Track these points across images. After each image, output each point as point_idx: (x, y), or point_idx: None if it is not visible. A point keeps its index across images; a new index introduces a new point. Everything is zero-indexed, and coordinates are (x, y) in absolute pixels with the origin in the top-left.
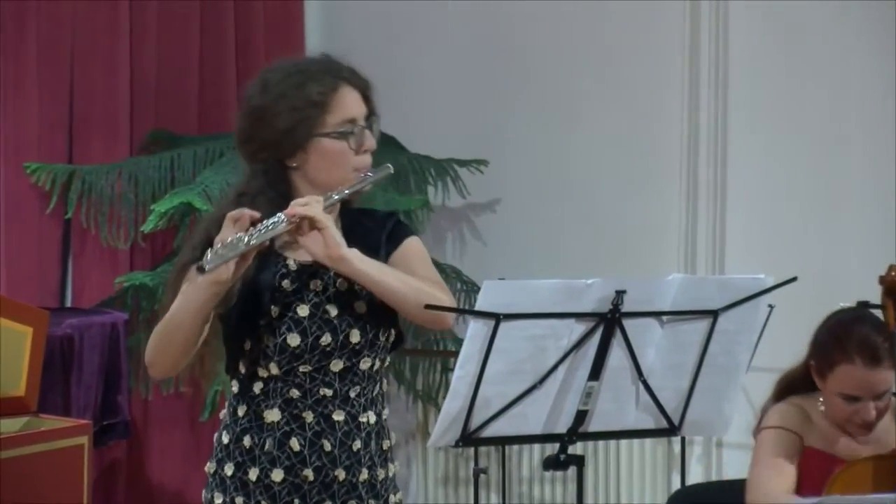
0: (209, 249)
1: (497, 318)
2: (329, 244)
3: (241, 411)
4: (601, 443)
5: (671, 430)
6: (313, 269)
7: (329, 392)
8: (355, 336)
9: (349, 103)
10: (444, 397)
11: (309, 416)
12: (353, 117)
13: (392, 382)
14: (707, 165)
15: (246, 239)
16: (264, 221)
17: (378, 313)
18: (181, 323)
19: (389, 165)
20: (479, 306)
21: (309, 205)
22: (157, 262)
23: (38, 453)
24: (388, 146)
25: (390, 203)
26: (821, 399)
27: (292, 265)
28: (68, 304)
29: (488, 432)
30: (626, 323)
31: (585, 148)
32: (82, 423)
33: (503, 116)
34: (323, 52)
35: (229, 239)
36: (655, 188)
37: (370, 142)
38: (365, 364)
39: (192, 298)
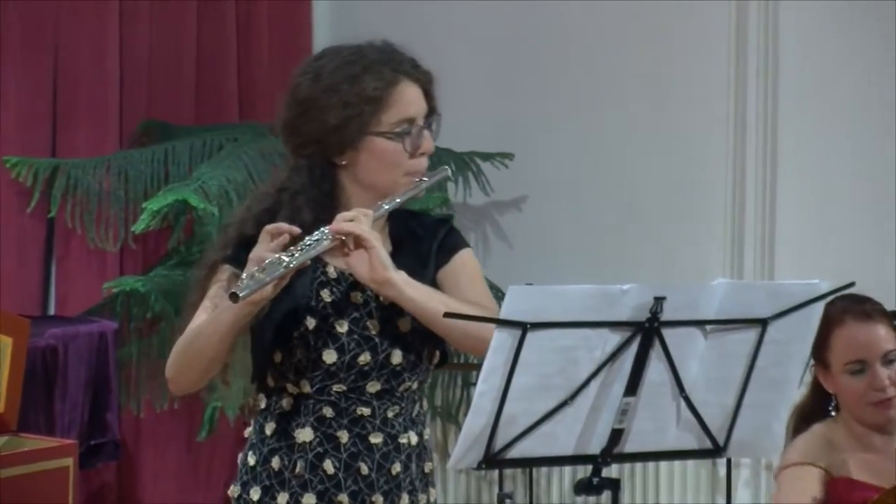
0: (244, 274)
1: (524, 327)
2: (375, 266)
3: (268, 429)
4: (638, 465)
5: (716, 450)
6: (355, 280)
7: (366, 411)
8: (396, 357)
9: (408, 100)
10: (465, 414)
11: (344, 437)
12: (411, 116)
13: None
14: (755, 161)
15: (286, 261)
16: (306, 238)
17: (423, 333)
18: (209, 341)
19: (447, 168)
20: (503, 314)
21: (356, 220)
22: (150, 266)
23: (19, 476)
24: None
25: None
26: (836, 418)
27: (332, 273)
28: (51, 312)
29: (514, 453)
30: (666, 333)
31: (622, 141)
32: (67, 443)
33: (531, 106)
34: (383, 40)
35: (266, 261)
36: (699, 185)
37: (428, 144)
38: (404, 385)
39: (224, 318)
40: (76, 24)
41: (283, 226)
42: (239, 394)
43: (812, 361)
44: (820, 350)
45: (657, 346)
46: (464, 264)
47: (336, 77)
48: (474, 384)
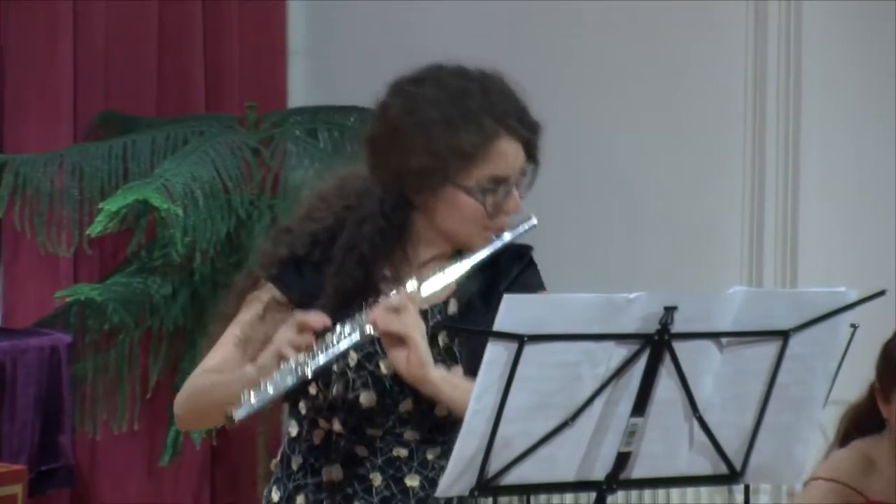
0: (245, 391)
1: (520, 339)
2: (412, 363)
3: (295, 464)
4: (647, 492)
5: (732, 476)
6: None
7: (403, 452)
8: (443, 408)
9: (504, 158)
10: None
11: (377, 479)
12: (503, 176)
13: None
14: (775, 159)
15: (301, 372)
16: (339, 330)
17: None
18: (220, 401)
19: (532, 217)
20: (498, 326)
21: (403, 310)
22: (107, 273)
23: None
24: None
25: None
26: (886, 440)
27: None
28: None
29: (510, 479)
30: (678, 346)
31: (631, 138)
32: (15, 468)
33: (530, 101)
34: (497, 73)
35: (280, 370)
36: (714, 185)
37: (513, 204)
38: (445, 438)
39: (235, 390)
40: (25, 6)
41: (313, 322)
42: None
43: (875, 384)
44: (885, 386)
45: (667, 361)
46: None
47: (432, 114)
48: None
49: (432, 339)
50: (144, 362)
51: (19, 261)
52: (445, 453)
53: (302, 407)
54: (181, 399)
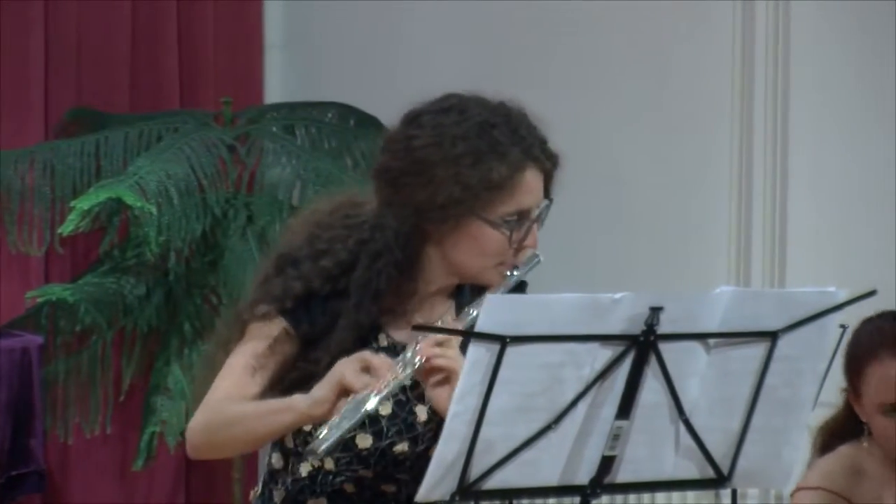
0: (323, 426)
1: (502, 341)
2: None
3: (278, 496)
4: (632, 497)
5: (719, 480)
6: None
7: (391, 488)
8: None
9: (529, 190)
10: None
11: None
12: (527, 209)
13: None
14: (763, 156)
15: (370, 407)
16: (396, 365)
17: None
18: (253, 434)
19: (538, 255)
20: (480, 327)
21: (447, 346)
22: (79, 273)
23: None
24: (368, 128)
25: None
26: (866, 444)
27: (383, 341)
28: None
29: (492, 483)
30: (664, 347)
31: (617, 137)
32: None
33: (513, 93)
34: (518, 106)
35: (350, 404)
36: (702, 185)
37: (533, 240)
38: None
39: (281, 421)
40: None
41: (378, 366)
42: (180, 418)
43: (846, 386)
44: (852, 378)
45: (653, 363)
46: None
47: (461, 147)
48: None
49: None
50: (117, 364)
51: None
52: None
53: (289, 440)
54: (196, 428)
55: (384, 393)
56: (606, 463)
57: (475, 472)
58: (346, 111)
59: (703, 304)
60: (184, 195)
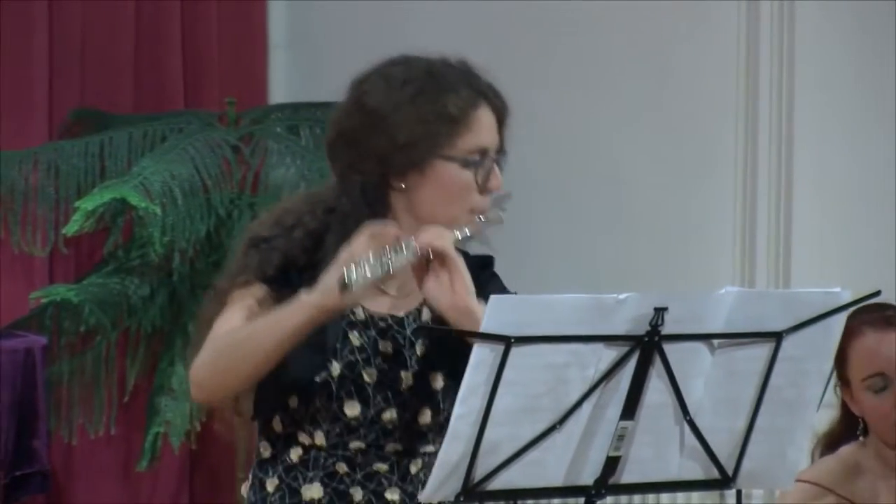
0: (351, 266)
1: (507, 341)
2: (458, 291)
3: (270, 485)
4: (637, 497)
5: (724, 481)
6: (386, 326)
7: (384, 467)
8: (425, 417)
9: (486, 127)
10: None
11: (357, 494)
12: (486, 146)
13: None
14: (768, 154)
15: (388, 264)
16: (397, 249)
17: (457, 389)
18: (261, 345)
19: (501, 214)
20: (484, 327)
21: (443, 238)
22: (83, 273)
23: None
24: None
25: None
26: (862, 438)
27: (360, 314)
28: None
29: (496, 484)
30: (668, 348)
31: (618, 133)
32: None
33: (515, 93)
34: (460, 58)
35: (373, 260)
36: (704, 181)
37: (497, 181)
38: (430, 448)
39: (292, 321)
40: None
41: (391, 228)
42: (185, 419)
43: (836, 381)
44: (839, 366)
45: (658, 364)
46: None
47: (411, 89)
48: None
49: (411, 346)
50: (122, 365)
51: None
52: (428, 466)
53: (277, 424)
54: (200, 364)
55: (393, 259)
56: (611, 463)
57: (480, 472)
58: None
59: (708, 304)
60: (188, 195)
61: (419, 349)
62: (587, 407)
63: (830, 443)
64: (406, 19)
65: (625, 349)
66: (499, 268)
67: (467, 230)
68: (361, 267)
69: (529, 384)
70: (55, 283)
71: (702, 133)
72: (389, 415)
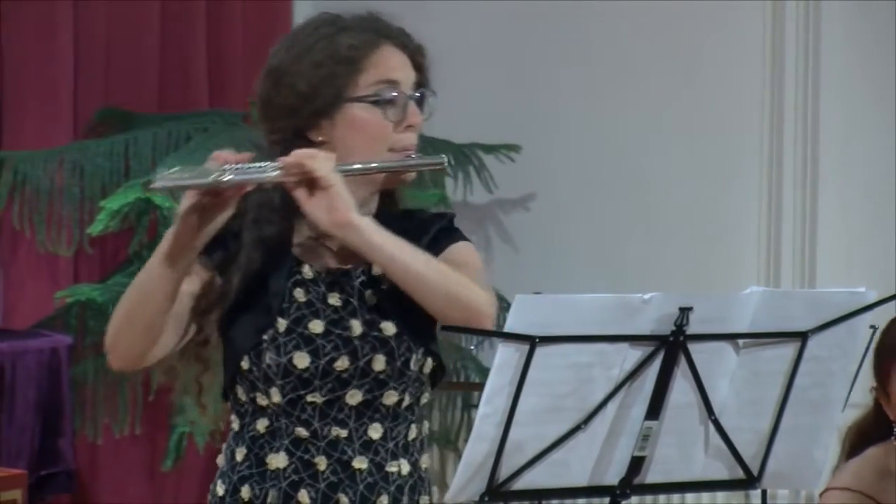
0: (167, 170)
1: (532, 341)
2: (336, 206)
3: (239, 455)
4: (662, 497)
5: (749, 481)
6: (333, 279)
7: (343, 433)
8: (379, 363)
9: (391, 64)
10: (465, 441)
11: (322, 463)
12: (393, 79)
13: None
14: (793, 154)
15: (217, 173)
16: (252, 164)
17: (411, 336)
18: (146, 284)
19: (444, 157)
20: (509, 327)
21: (315, 158)
22: (108, 273)
23: None
24: None
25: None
26: (895, 443)
27: (308, 273)
28: None
29: (521, 484)
30: (693, 348)
31: (644, 133)
32: (15, 473)
33: (541, 92)
34: (369, 11)
35: (197, 168)
36: (730, 182)
37: (415, 116)
38: (390, 399)
39: (160, 249)
40: (23, 1)
41: (230, 153)
42: (210, 418)
43: (872, 383)
44: (880, 378)
45: (683, 364)
46: (457, 255)
47: (309, 40)
48: (476, 406)
49: (360, 297)
50: None
51: (18, 260)
52: (391, 435)
53: (240, 393)
54: (109, 329)
55: (234, 172)
56: (636, 463)
57: (504, 472)
58: None
59: (733, 304)
60: None
61: (369, 299)
62: (612, 407)
63: (860, 441)
64: (430, 19)
65: (650, 349)
66: (524, 266)
67: (357, 163)
68: (174, 171)
69: (554, 384)
70: (80, 283)
71: (727, 134)
72: (341, 363)
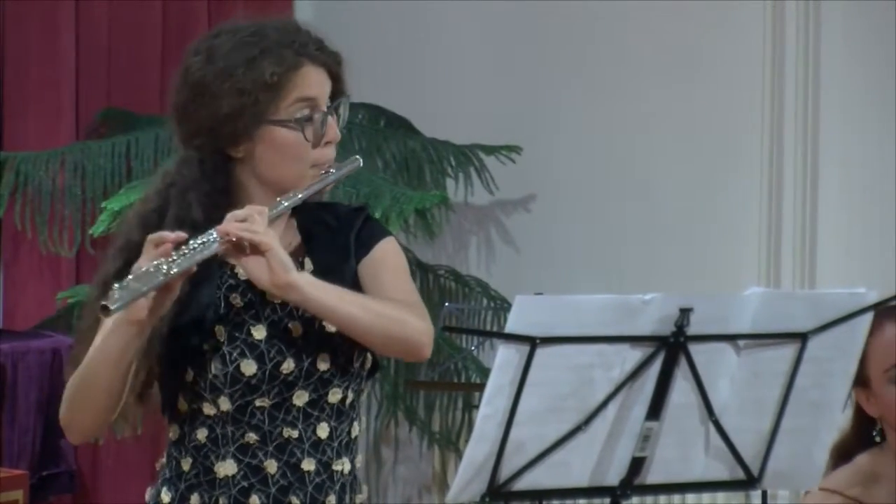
0: (115, 283)
1: (532, 342)
2: (274, 269)
3: (185, 465)
4: (662, 498)
5: (749, 481)
6: None
7: (294, 433)
8: (324, 363)
9: (309, 84)
10: (466, 441)
11: (272, 467)
12: (311, 96)
13: (402, 423)
14: (793, 155)
15: (165, 268)
16: (192, 242)
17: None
18: (98, 371)
19: (358, 158)
20: (510, 328)
21: (250, 219)
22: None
23: None
24: (398, 129)
25: (399, 199)
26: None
27: (242, 274)
28: None
29: (522, 484)
30: (693, 348)
31: (644, 134)
32: (16, 473)
33: (541, 93)
34: (287, 19)
35: (143, 268)
36: (730, 182)
37: (333, 132)
38: (335, 396)
39: (111, 343)
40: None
41: (167, 234)
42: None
43: (854, 387)
44: (860, 367)
45: (683, 364)
46: (384, 256)
47: (231, 59)
48: (477, 407)
49: None
50: None
51: (20, 261)
52: (336, 433)
53: (182, 403)
54: (63, 406)
55: (179, 261)
56: (636, 464)
57: (505, 473)
58: (376, 112)
59: (734, 305)
60: None
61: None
62: (612, 407)
63: (843, 454)
64: (432, 21)
65: (650, 350)
66: (524, 267)
67: (284, 201)
68: (125, 286)
69: (555, 385)
70: (82, 284)
71: (727, 134)
72: (287, 366)
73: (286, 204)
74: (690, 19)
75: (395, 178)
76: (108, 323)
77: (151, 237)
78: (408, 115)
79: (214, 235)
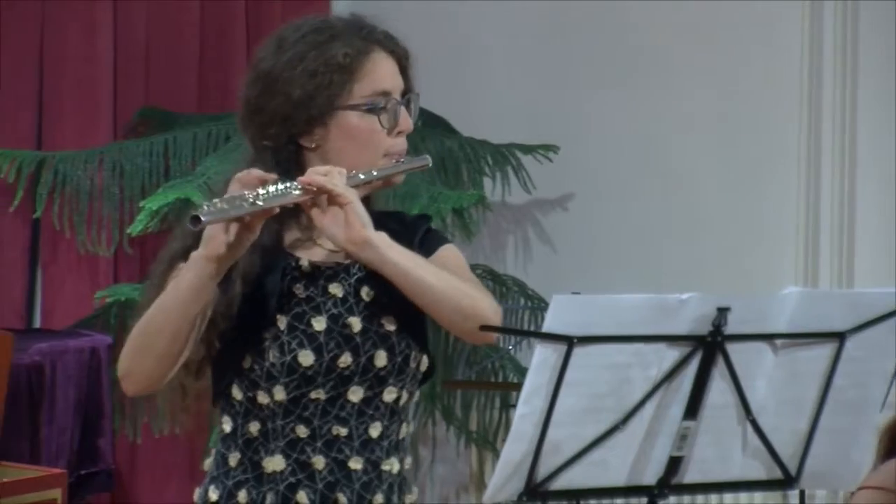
0: (203, 204)
1: (570, 341)
2: (352, 224)
3: (233, 460)
4: (700, 497)
5: (787, 481)
6: (331, 272)
7: (343, 431)
8: (381, 359)
9: (383, 72)
10: (503, 440)
11: (319, 463)
12: (386, 90)
13: (440, 423)
14: (831, 155)
15: (251, 198)
16: (274, 186)
17: (410, 333)
18: (168, 313)
19: (428, 157)
20: (547, 327)
21: (330, 175)
22: (148, 273)
23: None
24: (436, 128)
25: (436, 199)
26: None
27: (305, 266)
28: (37, 324)
29: (559, 484)
30: (731, 348)
31: (681, 133)
32: (55, 472)
33: (579, 92)
34: (352, 13)
35: (230, 194)
36: (768, 182)
37: (406, 122)
38: (389, 395)
39: (184, 279)
40: (64, 1)
41: (255, 171)
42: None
43: None
44: None
45: (720, 364)
46: (447, 258)
47: (301, 46)
48: (514, 406)
49: (356, 294)
50: None
51: (58, 260)
52: (387, 433)
53: (236, 391)
54: (123, 356)
55: (264, 196)
56: (674, 463)
57: (542, 472)
58: None
59: (771, 304)
60: None
61: (365, 295)
62: (650, 407)
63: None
64: (469, 20)
65: (687, 349)
66: (562, 267)
67: (361, 174)
68: (214, 204)
69: (592, 384)
70: (120, 283)
71: (765, 134)
72: (344, 360)
73: (362, 177)
74: (728, 20)
75: (433, 177)
76: (181, 269)
77: (239, 175)
78: (445, 114)
79: (296, 184)
